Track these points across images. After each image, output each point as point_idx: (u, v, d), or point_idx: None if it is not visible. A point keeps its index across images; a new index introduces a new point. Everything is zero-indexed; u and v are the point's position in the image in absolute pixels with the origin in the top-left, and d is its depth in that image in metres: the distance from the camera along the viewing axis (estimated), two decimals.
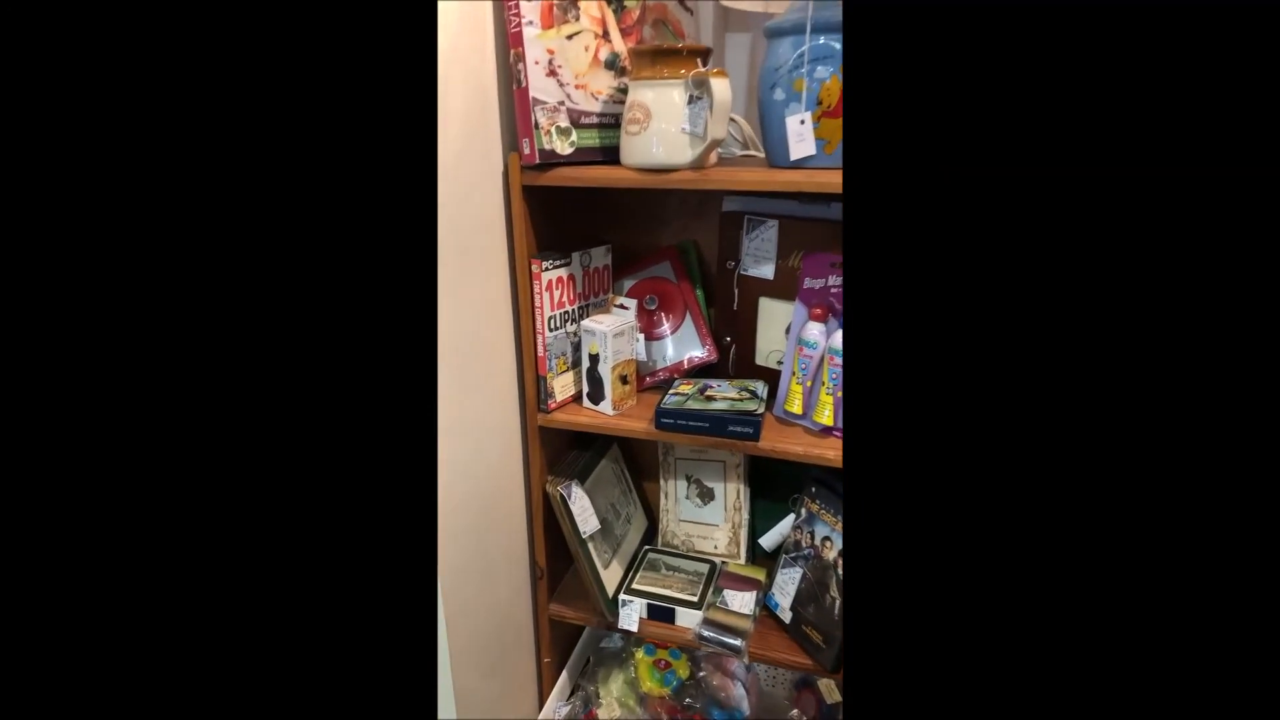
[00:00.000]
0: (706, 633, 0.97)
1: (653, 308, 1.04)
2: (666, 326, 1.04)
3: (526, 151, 0.82)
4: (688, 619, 1.00)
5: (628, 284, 1.07)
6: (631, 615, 1.02)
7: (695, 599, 1.02)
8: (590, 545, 1.01)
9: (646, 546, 1.15)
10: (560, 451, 1.07)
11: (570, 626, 1.17)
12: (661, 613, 1.01)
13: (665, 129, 0.79)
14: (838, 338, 0.85)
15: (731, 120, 0.94)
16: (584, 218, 1.05)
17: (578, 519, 0.98)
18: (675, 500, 1.15)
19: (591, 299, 1.00)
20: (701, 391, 0.94)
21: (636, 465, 1.21)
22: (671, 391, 0.95)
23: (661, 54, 0.79)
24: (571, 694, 1.18)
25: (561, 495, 0.97)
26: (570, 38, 0.83)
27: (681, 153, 0.79)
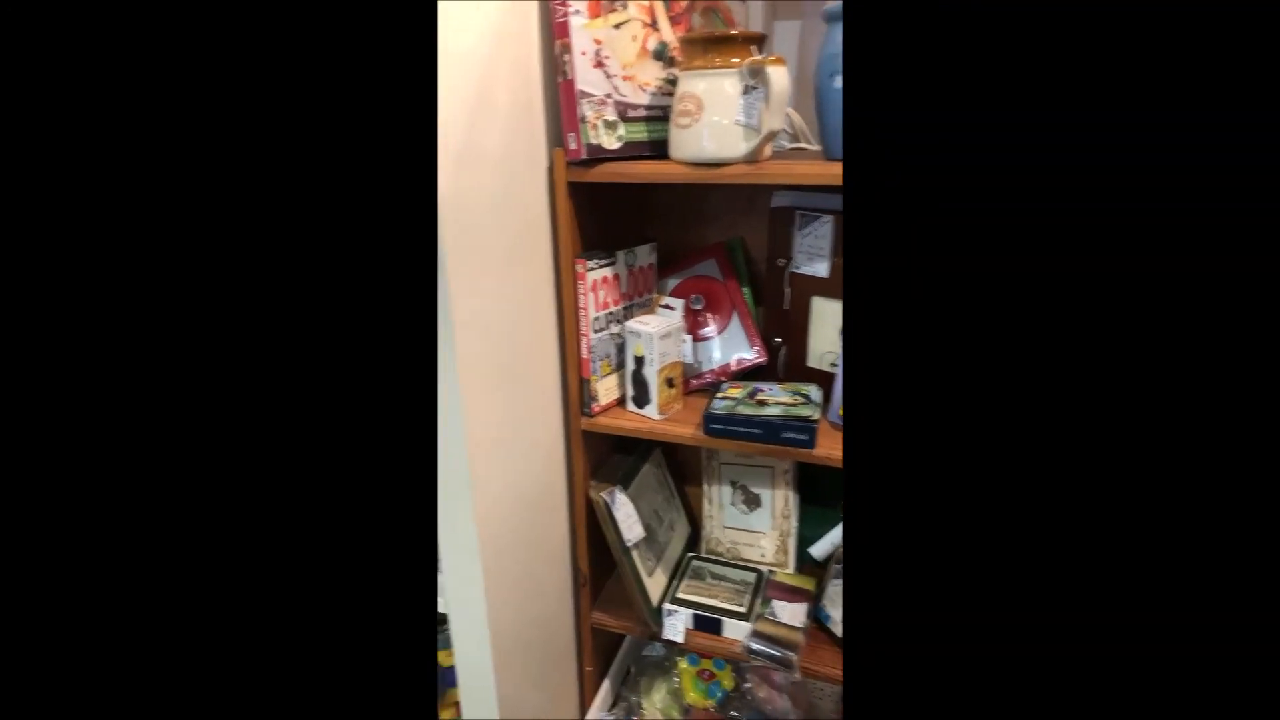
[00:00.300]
0: (756, 645, 0.94)
1: (699, 308, 1.01)
2: (713, 327, 1.01)
3: (573, 147, 0.79)
4: (735, 630, 0.97)
5: (671, 283, 1.04)
6: (676, 625, 0.99)
7: (743, 610, 0.98)
8: (634, 553, 0.97)
9: (690, 554, 1.12)
10: (602, 456, 1.04)
11: (611, 634, 1.15)
12: (708, 623, 0.98)
13: (718, 121, 0.75)
14: None
15: None
16: (627, 214, 1.01)
17: (622, 527, 0.95)
18: (720, 507, 1.12)
19: (636, 299, 0.96)
20: (752, 395, 0.90)
21: (679, 469, 1.18)
22: (720, 395, 0.91)
23: (714, 42, 0.75)
24: (614, 704, 1.15)
25: (605, 502, 0.94)
26: (618, 27, 0.79)
27: (735, 146, 0.76)
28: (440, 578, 0.85)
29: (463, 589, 0.80)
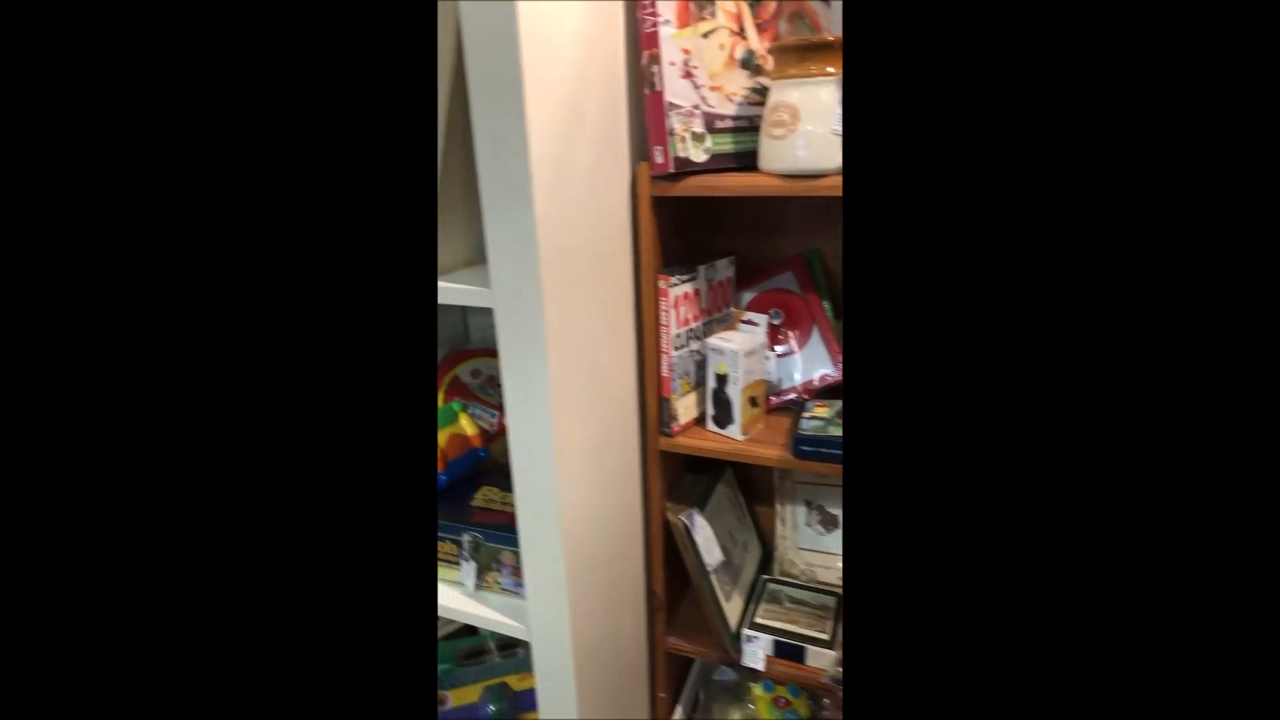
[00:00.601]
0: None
1: (778, 322, 0.97)
2: (793, 342, 0.97)
3: (659, 160, 0.76)
4: (819, 659, 0.93)
5: (747, 297, 1.01)
6: (756, 652, 0.95)
7: (826, 636, 0.94)
8: (713, 577, 0.94)
9: (764, 576, 1.08)
10: (675, 476, 1.01)
11: (680, 659, 1.11)
12: (790, 650, 0.94)
13: (814, 131, 0.72)
14: None
15: None
16: (700, 227, 0.99)
17: (702, 550, 0.92)
18: (794, 527, 1.08)
19: (714, 314, 0.93)
20: (841, 415, 0.86)
21: (749, 488, 1.14)
22: (807, 415, 0.88)
23: (809, 49, 0.72)
24: None
25: (685, 525, 0.91)
26: (706, 36, 0.77)
27: (832, 156, 0.72)
28: (523, 602, 0.83)
29: (547, 612, 0.78)
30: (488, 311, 1.20)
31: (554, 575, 0.76)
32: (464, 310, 1.23)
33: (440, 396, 1.14)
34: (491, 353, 1.18)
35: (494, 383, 1.17)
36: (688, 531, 0.91)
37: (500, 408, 1.18)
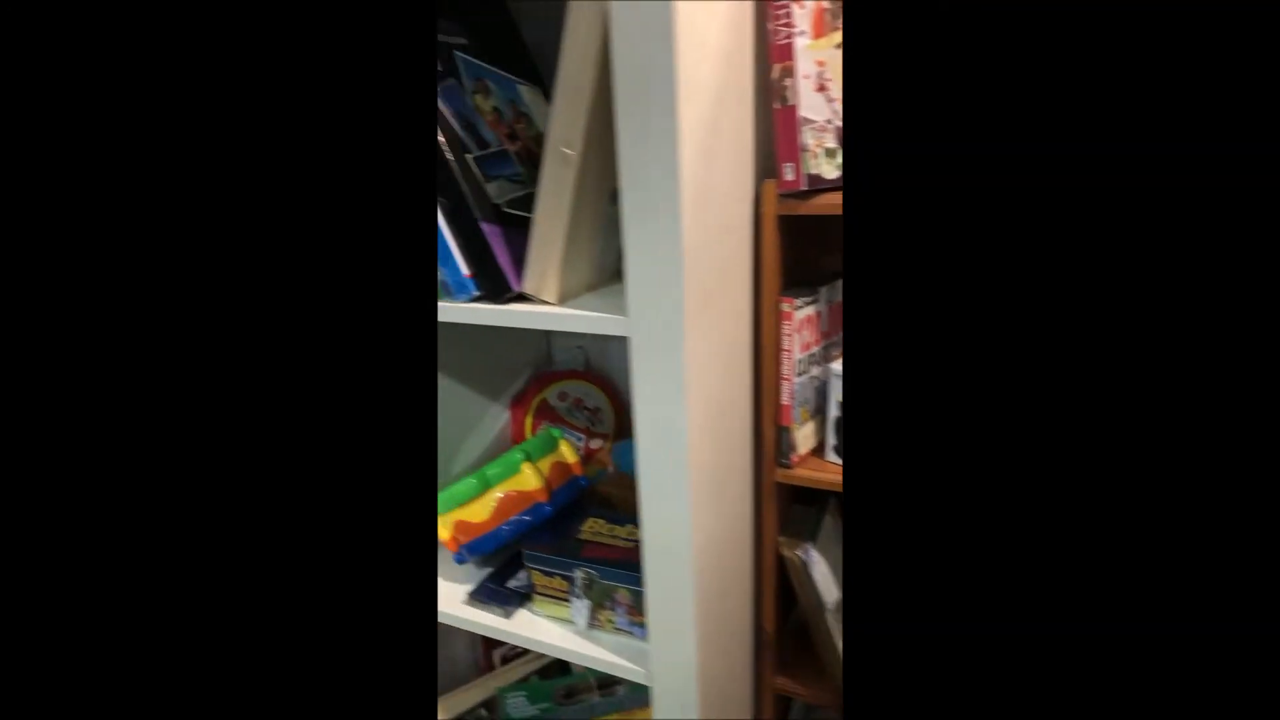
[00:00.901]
0: None
1: None
2: None
3: (790, 177, 0.72)
4: None
5: None
6: None
7: None
8: (829, 615, 0.89)
9: None
10: (785, 508, 0.96)
11: (779, 698, 1.06)
12: None
13: None
14: None
15: None
16: (814, 246, 0.94)
17: (820, 587, 0.87)
18: None
19: (832, 338, 0.89)
20: None
21: None
22: None
23: None
24: None
25: (802, 561, 0.86)
26: (839, 46, 0.73)
27: None
28: (639, 642, 0.78)
29: (672, 655, 0.73)
30: (573, 333, 1.17)
31: (682, 617, 0.71)
32: (548, 331, 1.20)
33: (529, 421, 1.11)
34: (578, 375, 1.15)
35: (581, 406, 1.14)
36: (805, 568, 0.86)
37: (588, 431, 1.15)
